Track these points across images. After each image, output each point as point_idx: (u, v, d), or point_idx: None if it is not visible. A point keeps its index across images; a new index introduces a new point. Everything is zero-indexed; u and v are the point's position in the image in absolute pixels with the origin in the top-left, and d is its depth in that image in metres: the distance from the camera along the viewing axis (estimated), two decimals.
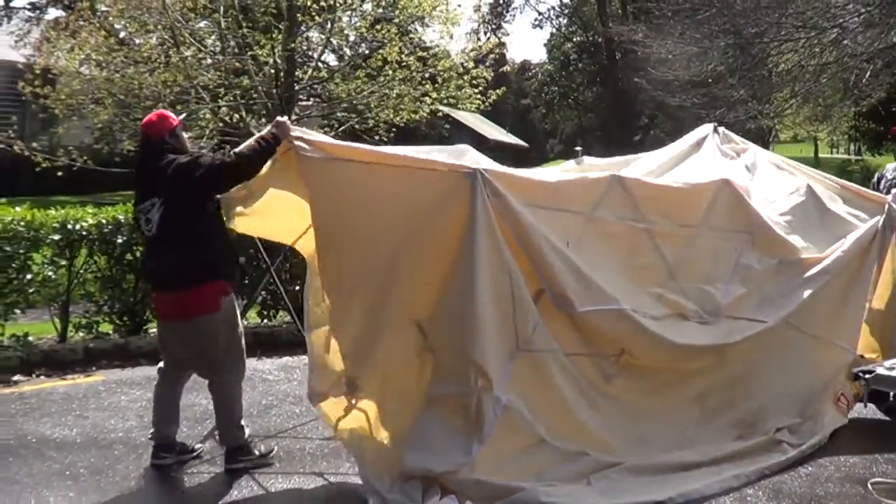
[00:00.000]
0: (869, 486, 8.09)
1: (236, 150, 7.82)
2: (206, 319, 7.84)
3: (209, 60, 23.92)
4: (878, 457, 8.93)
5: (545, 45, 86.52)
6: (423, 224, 7.57)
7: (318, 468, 8.28)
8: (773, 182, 10.29)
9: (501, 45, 33.87)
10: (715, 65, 27.40)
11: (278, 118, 7.90)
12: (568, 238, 8.03)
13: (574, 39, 73.81)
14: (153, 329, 12.88)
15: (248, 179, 7.88)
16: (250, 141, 7.84)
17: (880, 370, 7.94)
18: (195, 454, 8.43)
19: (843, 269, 9.72)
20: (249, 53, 23.08)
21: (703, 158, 10.37)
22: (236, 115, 23.87)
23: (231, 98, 23.66)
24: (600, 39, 58.30)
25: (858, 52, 25.52)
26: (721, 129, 10.73)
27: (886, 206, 10.11)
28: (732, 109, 29.07)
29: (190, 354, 8.15)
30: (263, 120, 24.86)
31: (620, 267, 8.47)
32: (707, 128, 10.77)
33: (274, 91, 23.45)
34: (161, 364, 8.45)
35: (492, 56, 28.58)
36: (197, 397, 9.49)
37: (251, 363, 11.74)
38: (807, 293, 9.46)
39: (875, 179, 11.53)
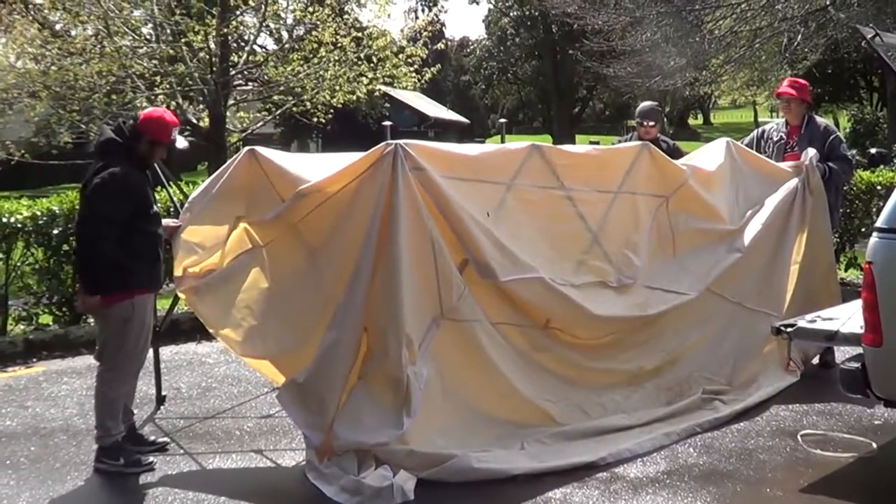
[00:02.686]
0: (799, 437, 8.28)
1: (99, 248, 7.57)
2: (100, 313, 7.92)
3: (144, 49, 23.78)
4: (809, 409, 9.17)
5: (483, 20, 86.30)
6: (353, 204, 7.68)
7: (256, 446, 8.35)
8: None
9: (436, 22, 33.74)
10: (650, 33, 27.47)
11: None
12: (488, 209, 8.15)
13: (511, 14, 73.67)
14: (92, 319, 12.89)
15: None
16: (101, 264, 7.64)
17: (801, 323, 8.07)
18: (156, 446, 8.29)
19: (765, 235, 9.91)
20: (183, 40, 22.96)
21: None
22: (173, 103, 23.77)
23: (167, 86, 23.59)
24: (537, 13, 58.19)
25: (790, 15, 25.69)
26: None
27: (804, 168, 10.29)
28: (669, 77, 29.23)
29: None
30: (201, 106, 24.85)
31: (542, 235, 8.60)
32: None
33: (209, 77, 23.37)
34: None
35: (429, 33, 28.58)
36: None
37: (191, 347, 11.85)
38: (729, 261, 9.68)
39: (755, 136, 11.57)
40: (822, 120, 11.20)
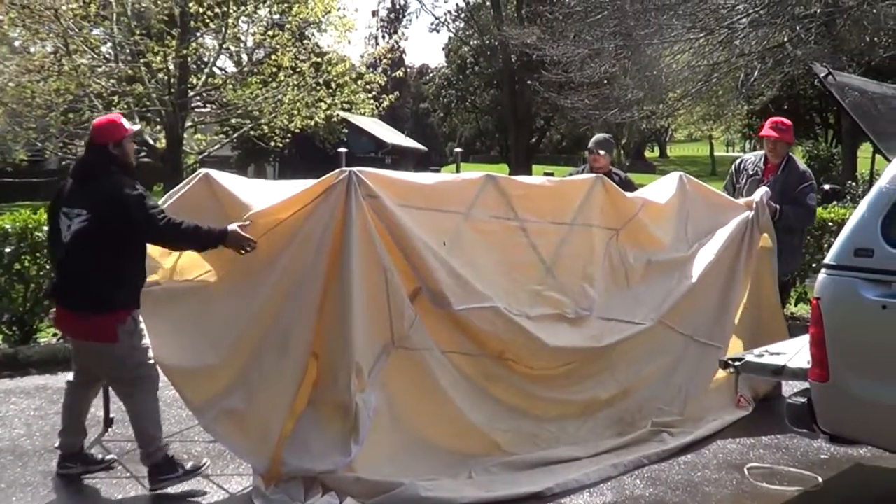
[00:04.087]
0: (745, 470, 8.33)
1: (184, 222, 7.61)
2: (105, 347, 7.65)
3: (102, 68, 23.72)
4: (756, 442, 9.23)
5: (443, 48, 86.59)
6: (302, 229, 7.68)
7: (204, 470, 8.26)
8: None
9: (395, 49, 33.80)
10: (608, 66, 27.64)
11: (234, 228, 7.74)
12: (445, 238, 8.18)
13: (471, 43, 73.94)
14: (44, 338, 12.78)
15: (172, 250, 8.04)
16: (197, 224, 7.66)
17: (749, 357, 8.15)
18: (104, 465, 8.29)
19: (714, 268, 10.01)
20: (142, 61, 22.95)
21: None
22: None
23: (125, 106, 23.51)
24: (496, 43, 58.39)
25: (748, 51, 25.94)
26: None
27: (755, 205, 10.40)
28: (626, 110, 29.40)
29: (98, 369, 8.07)
30: (159, 127, 24.79)
31: (498, 265, 8.63)
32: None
33: (167, 98, 23.34)
34: (72, 374, 8.34)
35: (388, 60, 28.66)
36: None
37: None
38: (680, 294, 9.76)
39: (734, 168, 11.73)
40: (803, 165, 11.30)
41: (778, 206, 10.54)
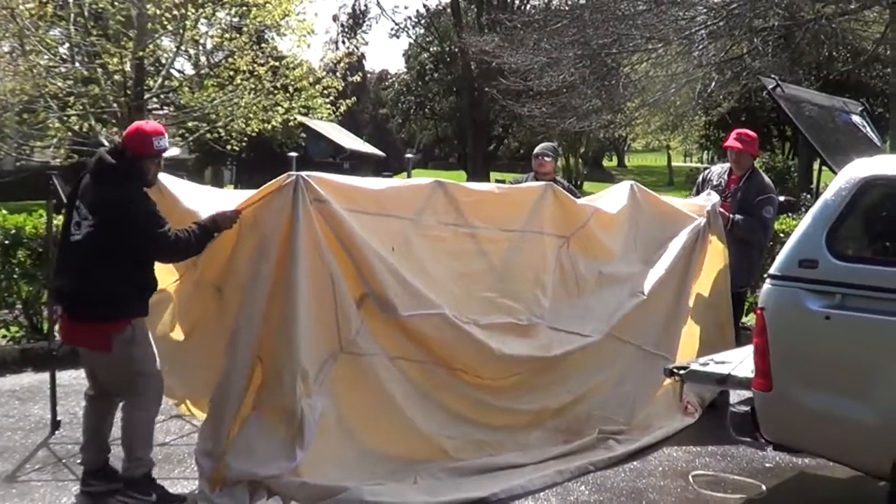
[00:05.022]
0: (690, 478, 8.40)
1: (184, 232, 7.41)
2: (98, 356, 7.56)
3: (59, 69, 23.58)
4: (702, 450, 9.33)
5: (403, 54, 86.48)
6: (249, 234, 7.66)
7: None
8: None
9: (354, 54, 33.79)
10: (566, 75, 27.67)
11: (217, 213, 7.63)
12: (393, 243, 8.16)
13: (431, 49, 73.87)
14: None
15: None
16: (189, 230, 7.46)
17: (694, 366, 8.22)
18: None
19: (665, 281, 10.08)
20: (99, 62, 22.83)
21: None
22: (86, 124, 23.59)
23: (80, 107, 23.39)
24: (456, 50, 58.36)
25: (706, 62, 26.06)
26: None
27: (706, 213, 10.45)
28: (584, 119, 29.46)
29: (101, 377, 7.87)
30: (115, 129, 24.66)
31: (447, 272, 8.63)
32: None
33: (123, 99, 23.24)
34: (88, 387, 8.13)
35: (347, 64, 28.64)
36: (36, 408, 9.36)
37: None
38: (631, 305, 9.80)
39: (700, 179, 11.86)
40: (767, 179, 11.34)
41: (731, 216, 10.60)
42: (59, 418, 9.35)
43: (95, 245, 7.29)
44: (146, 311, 7.64)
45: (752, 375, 7.22)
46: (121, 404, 7.81)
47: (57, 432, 9.25)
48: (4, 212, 12.63)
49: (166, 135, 7.78)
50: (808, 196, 28.98)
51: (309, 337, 7.45)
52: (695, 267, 10.46)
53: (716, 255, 10.60)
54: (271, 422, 7.41)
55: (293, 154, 11.94)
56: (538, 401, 9.17)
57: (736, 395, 9.61)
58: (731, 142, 11.07)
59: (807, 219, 7.09)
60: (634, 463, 8.86)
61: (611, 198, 10.40)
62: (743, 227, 10.76)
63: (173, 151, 8.06)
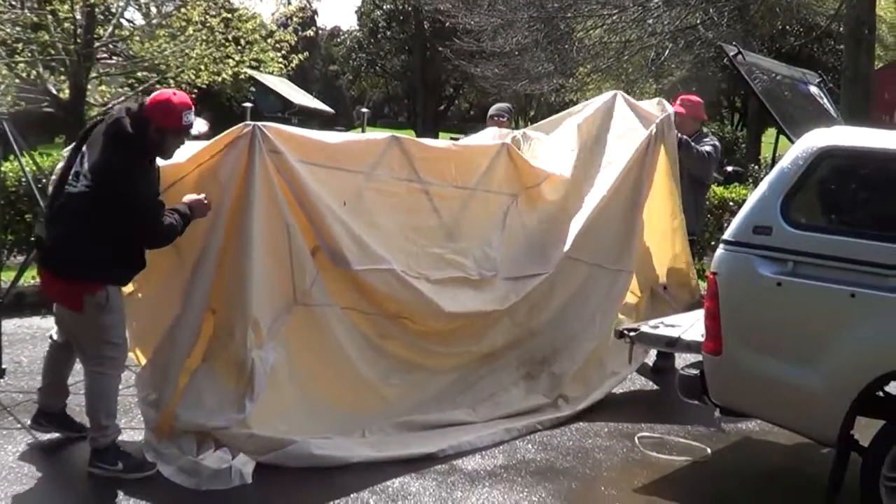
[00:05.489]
0: (636, 439, 8.45)
1: (169, 220, 7.09)
2: (68, 313, 7.34)
3: (7, 14, 23.28)
4: (648, 412, 9.41)
5: (356, 11, 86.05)
6: (206, 184, 7.54)
7: None
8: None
9: (306, 9, 33.60)
10: (520, 37, 27.66)
11: (188, 202, 7.34)
12: (345, 197, 8.12)
13: (384, 7, 73.65)
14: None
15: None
16: (172, 221, 7.13)
17: (644, 328, 8.27)
18: (82, 431, 7.80)
19: (615, 196, 9.98)
20: (49, 8, 22.55)
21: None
22: (34, 72, 23.33)
23: (28, 54, 23.12)
24: (410, 8, 58.23)
25: (660, 30, 26.11)
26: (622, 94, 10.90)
27: (660, 120, 10.32)
28: (536, 82, 29.50)
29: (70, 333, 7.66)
30: (63, 77, 24.41)
31: (399, 227, 8.61)
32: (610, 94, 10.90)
33: (72, 47, 22.98)
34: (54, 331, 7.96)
35: (299, 19, 28.49)
36: None
37: (36, 321, 11.52)
38: (581, 226, 9.77)
39: None
40: (713, 138, 11.34)
41: (680, 136, 10.49)
42: (3, 366, 9.25)
43: (86, 206, 7.00)
44: (125, 282, 7.42)
45: (701, 339, 7.28)
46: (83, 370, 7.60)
47: (1, 380, 9.16)
48: None
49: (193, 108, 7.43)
50: (756, 167, 29.24)
51: (263, 288, 7.41)
52: (646, 176, 10.18)
53: (668, 164, 10.34)
54: (221, 373, 7.36)
55: (248, 105, 11.79)
56: (486, 339, 9.22)
57: (682, 360, 9.75)
58: (676, 107, 11.06)
59: (762, 186, 7.11)
60: (581, 423, 8.91)
61: (591, 109, 10.64)
62: (690, 150, 10.60)
63: (201, 127, 7.52)
